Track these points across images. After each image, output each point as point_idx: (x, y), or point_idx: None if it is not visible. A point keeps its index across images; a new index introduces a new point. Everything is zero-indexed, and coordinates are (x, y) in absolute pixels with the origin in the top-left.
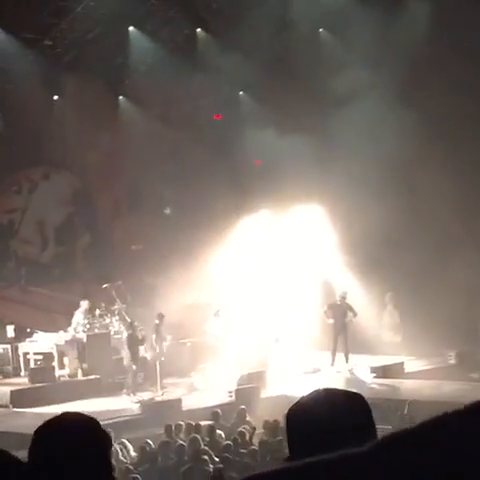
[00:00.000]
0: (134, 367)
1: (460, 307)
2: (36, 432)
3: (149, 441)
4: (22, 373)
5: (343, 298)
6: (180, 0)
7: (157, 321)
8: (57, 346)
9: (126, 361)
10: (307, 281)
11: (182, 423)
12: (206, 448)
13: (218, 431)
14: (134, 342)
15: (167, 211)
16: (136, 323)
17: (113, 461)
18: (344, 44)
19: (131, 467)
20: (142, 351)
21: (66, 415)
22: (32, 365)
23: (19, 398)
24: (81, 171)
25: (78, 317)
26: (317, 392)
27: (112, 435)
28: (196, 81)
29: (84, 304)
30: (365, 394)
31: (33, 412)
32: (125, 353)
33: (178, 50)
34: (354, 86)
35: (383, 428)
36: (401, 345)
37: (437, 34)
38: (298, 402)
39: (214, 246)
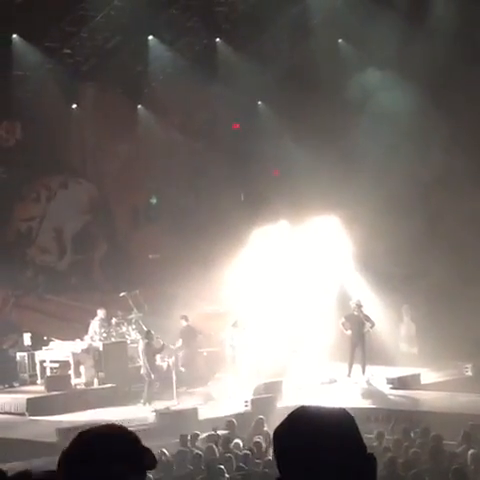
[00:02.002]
0: (152, 376)
1: (476, 319)
2: (76, 442)
3: (164, 450)
4: (38, 381)
5: (359, 307)
6: (200, 10)
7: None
8: (73, 354)
9: (143, 370)
10: (324, 292)
11: (198, 432)
12: (227, 456)
13: (236, 440)
14: (151, 351)
15: (153, 200)
16: (153, 332)
17: None
18: (363, 55)
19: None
20: (158, 360)
21: (111, 428)
22: (48, 373)
23: (35, 406)
24: (99, 180)
25: (95, 326)
26: (301, 409)
27: None
28: (215, 91)
29: (101, 313)
30: (381, 405)
31: (49, 420)
32: (142, 362)
33: (197, 60)
34: (373, 97)
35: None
36: (418, 357)
37: (460, 43)
38: (283, 422)
39: (232, 256)
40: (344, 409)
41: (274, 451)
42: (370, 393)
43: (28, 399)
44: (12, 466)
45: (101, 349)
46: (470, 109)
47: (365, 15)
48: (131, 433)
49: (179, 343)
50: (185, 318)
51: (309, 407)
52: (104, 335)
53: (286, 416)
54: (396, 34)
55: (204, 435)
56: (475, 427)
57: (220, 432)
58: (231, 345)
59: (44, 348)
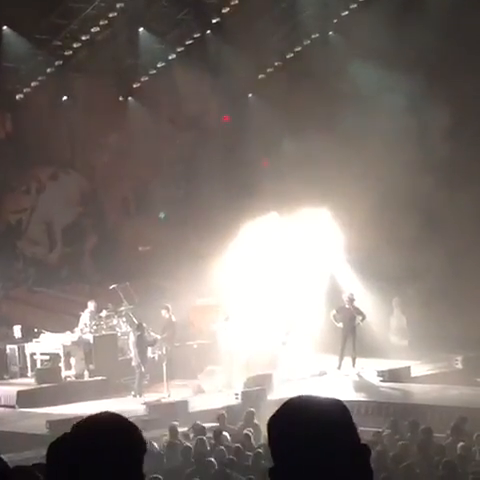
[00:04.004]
0: (143, 369)
1: (467, 312)
2: (74, 428)
3: (154, 443)
4: (29, 373)
5: (351, 301)
6: (190, 2)
7: (167, 315)
8: (64, 347)
9: (134, 362)
10: (314, 284)
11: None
12: (217, 449)
13: (224, 433)
14: (143, 344)
15: (162, 216)
16: (145, 324)
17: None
18: (354, 46)
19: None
20: (149, 352)
21: (104, 416)
22: (39, 365)
23: (25, 398)
24: (89, 172)
25: (85, 318)
26: (296, 399)
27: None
28: (205, 83)
29: (91, 305)
30: (371, 397)
31: (39, 412)
32: (133, 354)
33: (187, 52)
34: (366, 89)
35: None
36: (408, 349)
37: (453, 31)
38: (276, 412)
39: (222, 248)
40: (338, 400)
41: (268, 440)
42: (360, 386)
43: (18, 391)
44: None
45: (91, 341)
46: (469, 99)
47: (355, 6)
48: (127, 424)
49: (163, 335)
50: (167, 309)
51: (304, 397)
52: (94, 327)
53: (281, 405)
54: (388, 24)
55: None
56: (464, 420)
57: (210, 424)
58: (223, 339)
59: (34, 340)
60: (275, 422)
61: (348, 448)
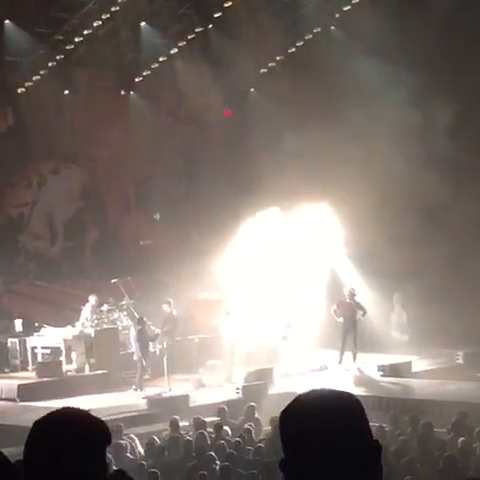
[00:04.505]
0: (144, 363)
1: (467, 308)
2: (33, 425)
3: (155, 437)
4: (30, 367)
5: (352, 295)
6: None
7: (168, 309)
8: (65, 341)
9: (136, 356)
10: (315, 279)
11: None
12: (218, 443)
13: (225, 427)
14: (144, 338)
15: (157, 217)
16: (145, 319)
17: (123, 455)
18: (356, 41)
19: (143, 463)
20: (151, 347)
21: (61, 410)
22: (40, 359)
23: (26, 392)
24: (91, 166)
25: (86, 312)
26: (310, 392)
27: (123, 430)
28: (207, 78)
29: (92, 299)
30: (372, 392)
31: (40, 406)
32: (135, 349)
33: (189, 46)
34: (366, 83)
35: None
36: (409, 344)
37: (455, 26)
38: (291, 403)
39: (223, 243)
40: (352, 394)
41: (280, 432)
42: (361, 380)
43: (19, 385)
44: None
45: (92, 335)
46: (473, 94)
47: (357, 0)
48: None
49: (164, 329)
50: (168, 303)
51: (318, 390)
52: (96, 321)
53: (295, 397)
54: (390, 19)
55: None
56: (465, 415)
57: (210, 419)
58: (225, 334)
59: (35, 334)
60: (289, 414)
61: (362, 443)
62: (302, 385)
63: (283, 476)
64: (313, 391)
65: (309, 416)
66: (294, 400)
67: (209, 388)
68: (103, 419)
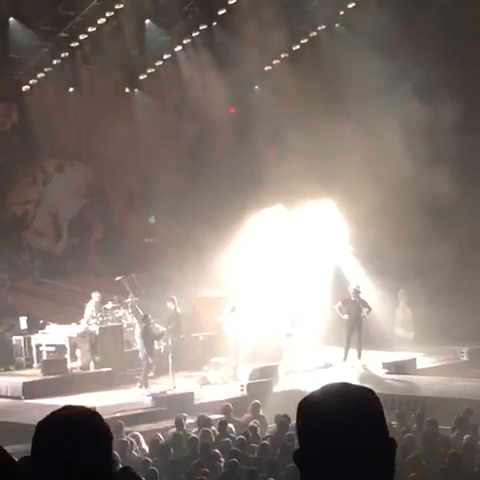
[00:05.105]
0: (150, 360)
1: (472, 304)
2: (38, 425)
3: (159, 435)
4: (34, 365)
5: (357, 293)
6: None
7: (172, 306)
8: (70, 338)
9: (141, 354)
10: (320, 276)
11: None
12: (223, 440)
13: (229, 425)
14: (149, 336)
15: (152, 220)
16: (150, 316)
17: (128, 453)
18: (360, 38)
19: (149, 460)
20: (156, 344)
21: (67, 409)
22: (44, 357)
23: (31, 390)
24: (95, 163)
25: (89, 309)
26: (330, 386)
27: (124, 427)
28: (211, 75)
29: (95, 296)
30: (377, 390)
31: (45, 404)
32: (140, 346)
33: (194, 44)
34: (371, 81)
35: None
36: (413, 341)
37: (462, 22)
38: (310, 395)
39: (228, 240)
40: (371, 389)
41: (297, 423)
42: (366, 378)
43: (24, 383)
44: (8, 450)
45: (97, 333)
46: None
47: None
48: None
49: (169, 326)
50: (172, 300)
51: (338, 383)
52: (100, 319)
53: (316, 389)
54: (395, 16)
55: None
56: (470, 412)
57: (215, 416)
58: (230, 331)
59: (40, 332)
60: (308, 406)
61: (379, 439)
62: (307, 382)
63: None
64: (333, 384)
65: (328, 409)
66: (312, 393)
67: (214, 385)
68: (108, 417)
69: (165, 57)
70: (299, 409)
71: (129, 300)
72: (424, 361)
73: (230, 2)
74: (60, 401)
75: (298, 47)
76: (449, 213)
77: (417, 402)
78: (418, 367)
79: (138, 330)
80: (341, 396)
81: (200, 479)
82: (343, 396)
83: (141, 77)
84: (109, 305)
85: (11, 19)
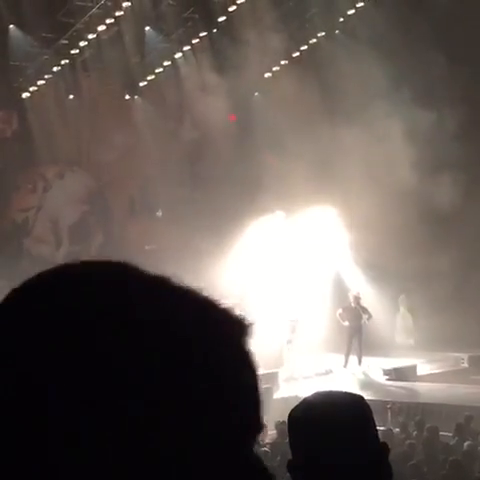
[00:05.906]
0: None
1: (473, 311)
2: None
3: None
4: None
5: (357, 299)
6: (196, 1)
7: None
8: None
9: None
10: (320, 283)
11: None
12: None
13: None
14: None
15: (159, 213)
16: None
17: None
18: (360, 45)
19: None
20: None
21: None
22: None
23: None
24: (95, 170)
25: None
26: (318, 394)
27: None
28: (211, 82)
29: None
30: (377, 396)
31: None
32: None
33: (194, 51)
34: (371, 87)
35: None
36: (414, 348)
37: (461, 28)
38: (299, 404)
39: (228, 246)
40: (360, 396)
41: (289, 433)
42: (366, 384)
43: None
44: None
45: None
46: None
47: (362, 4)
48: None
49: None
50: None
51: (325, 392)
52: None
53: (303, 399)
54: (395, 23)
55: None
56: (471, 418)
57: None
58: None
59: None
60: (298, 415)
61: (370, 445)
62: (307, 389)
63: (290, 477)
64: (321, 393)
65: (316, 417)
66: (301, 401)
67: None
68: None
69: (165, 64)
70: (289, 419)
71: None
72: (424, 368)
73: (230, 9)
74: None
75: (298, 54)
76: (450, 220)
77: (417, 409)
78: (418, 374)
79: None
80: (328, 403)
81: None
82: (330, 403)
83: (141, 84)
84: None
85: (11, 26)
